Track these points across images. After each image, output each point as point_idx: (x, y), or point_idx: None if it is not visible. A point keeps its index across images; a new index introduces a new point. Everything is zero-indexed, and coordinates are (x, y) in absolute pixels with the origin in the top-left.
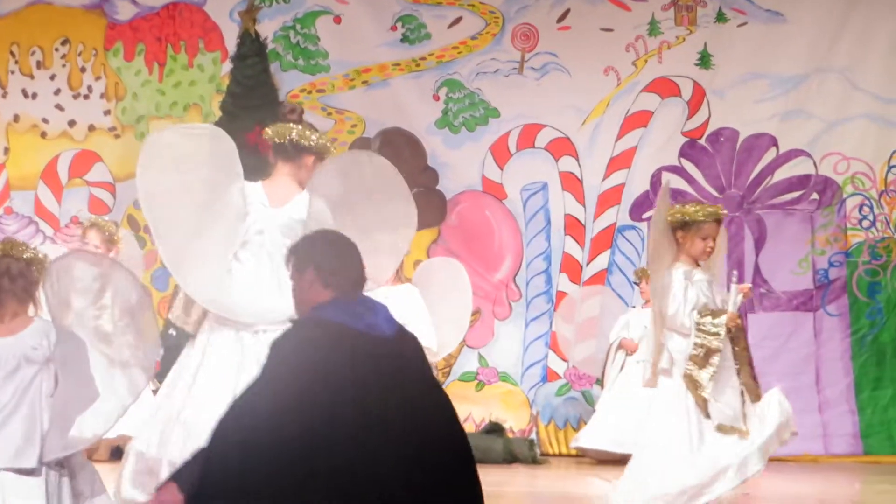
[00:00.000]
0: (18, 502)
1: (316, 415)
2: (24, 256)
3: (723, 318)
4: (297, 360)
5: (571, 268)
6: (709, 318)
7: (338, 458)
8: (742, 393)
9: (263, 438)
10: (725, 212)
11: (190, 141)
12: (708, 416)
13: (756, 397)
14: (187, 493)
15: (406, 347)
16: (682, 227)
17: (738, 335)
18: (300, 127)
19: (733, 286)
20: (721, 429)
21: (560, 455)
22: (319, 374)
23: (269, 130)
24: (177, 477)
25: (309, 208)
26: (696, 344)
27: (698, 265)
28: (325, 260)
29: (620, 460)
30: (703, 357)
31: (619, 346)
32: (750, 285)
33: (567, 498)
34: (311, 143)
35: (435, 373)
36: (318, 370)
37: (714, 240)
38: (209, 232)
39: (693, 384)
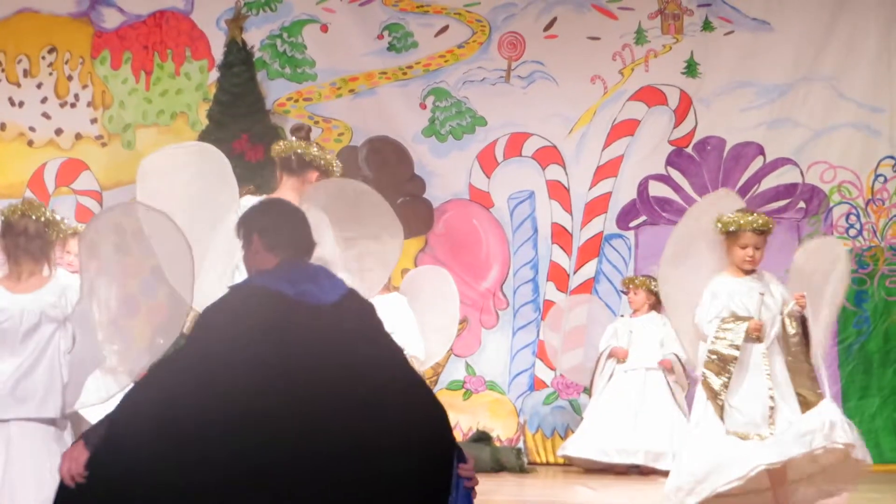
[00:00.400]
0: (42, 449)
1: (239, 385)
2: (42, 218)
3: (743, 326)
4: (222, 327)
5: (559, 276)
6: (731, 325)
7: (261, 433)
8: (771, 398)
9: (178, 406)
10: (769, 223)
11: (180, 160)
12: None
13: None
14: (91, 451)
15: (348, 316)
16: (725, 235)
17: (795, 345)
18: (305, 143)
19: (759, 294)
20: (732, 434)
21: (548, 464)
22: (244, 343)
23: (275, 146)
24: (86, 435)
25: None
26: (710, 351)
27: (747, 273)
28: (268, 225)
29: (607, 469)
30: (717, 363)
31: (610, 355)
32: (803, 294)
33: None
34: (315, 158)
35: None
36: (244, 338)
37: (756, 248)
38: (211, 245)
39: (709, 391)
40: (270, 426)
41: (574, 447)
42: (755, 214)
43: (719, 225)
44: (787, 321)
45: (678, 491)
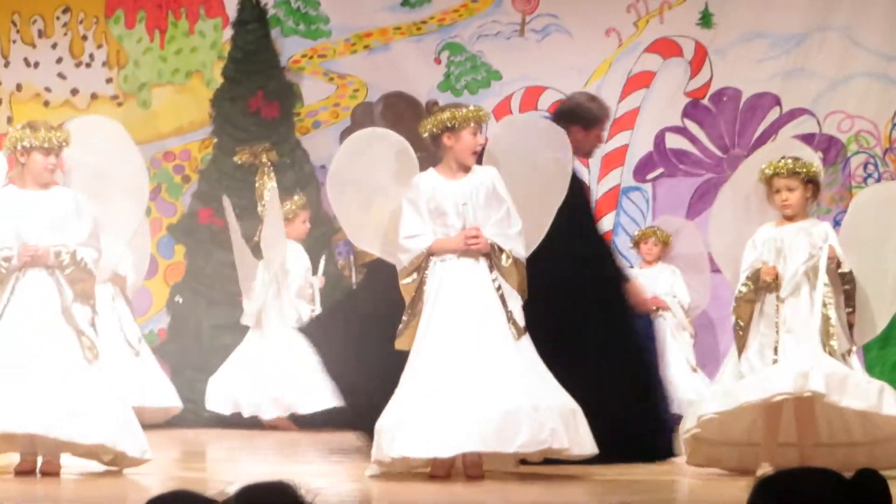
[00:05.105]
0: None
1: None
2: None
3: (757, 272)
4: None
5: None
6: (752, 273)
7: None
8: (775, 349)
9: None
10: (801, 165)
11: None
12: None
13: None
14: None
15: None
16: (765, 184)
17: (827, 295)
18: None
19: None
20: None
21: None
22: None
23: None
24: None
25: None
26: (735, 298)
27: (789, 220)
28: None
29: None
30: (737, 310)
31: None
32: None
33: None
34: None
35: None
36: None
37: (790, 191)
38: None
39: (736, 336)
40: None
41: None
42: (785, 158)
43: (760, 178)
44: (820, 271)
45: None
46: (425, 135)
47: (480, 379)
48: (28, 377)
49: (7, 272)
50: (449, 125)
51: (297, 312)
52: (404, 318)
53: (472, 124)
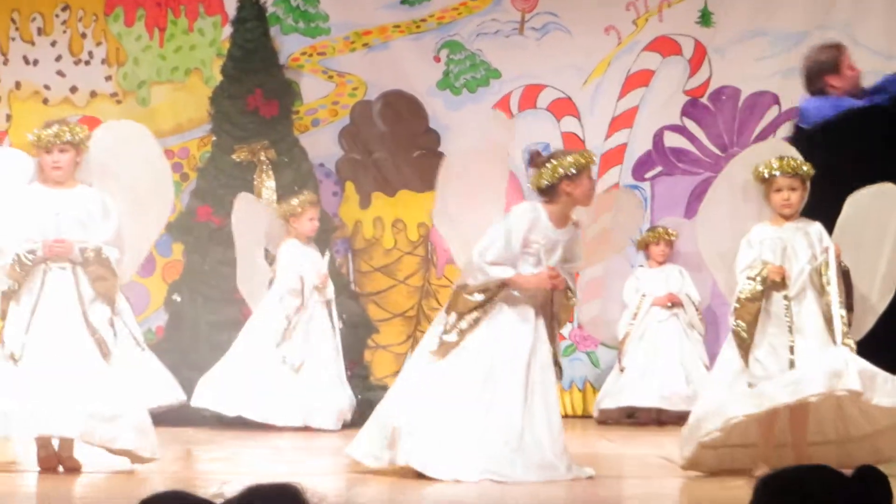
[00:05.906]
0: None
1: None
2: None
3: (764, 272)
4: None
5: None
6: (755, 273)
7: None
8: (791, 349)
9: None
10: (803, 165)
11: None
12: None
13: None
14: None
15: None
16: (762, 184)
17: (827, 295)
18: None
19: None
20: (750, 386)
21: (566, 416)
22: None
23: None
24: None
25: None
26: (736, 299)
27: (787, 219)
28: None
29: (629, 420)
30: (740, 311)
31: (653, 305)
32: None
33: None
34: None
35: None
36: None
37: (792, 190)
38: None
39: (738, 339)
40: None
41: (634, 398)
42: (787, 158)
43: (756, 173)
44: (821, 270)
45: (681, 439)
46: (544, 185)
47: (530, 425)
48: (56, 379)
49: (32, 265)
50: (570, 172)
51: (283, 311)
52: (451, 323)
53: (590, 168)
